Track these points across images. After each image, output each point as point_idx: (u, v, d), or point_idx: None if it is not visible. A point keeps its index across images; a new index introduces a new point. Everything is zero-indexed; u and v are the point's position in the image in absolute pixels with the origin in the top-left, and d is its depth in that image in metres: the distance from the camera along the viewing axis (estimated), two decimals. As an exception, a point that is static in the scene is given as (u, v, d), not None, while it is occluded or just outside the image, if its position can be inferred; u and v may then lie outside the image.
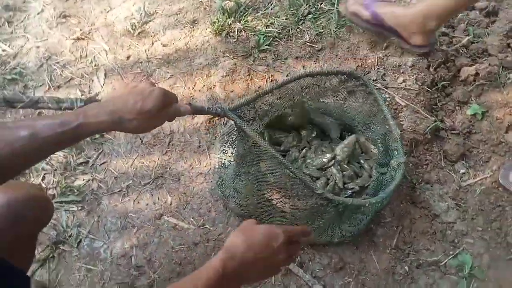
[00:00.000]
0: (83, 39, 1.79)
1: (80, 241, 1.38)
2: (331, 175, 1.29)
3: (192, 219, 1.38)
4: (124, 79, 1.68)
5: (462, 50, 1.64)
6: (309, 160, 1.32)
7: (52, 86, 1.67)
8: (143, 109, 0.77)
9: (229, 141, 1.35)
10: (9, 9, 1.86)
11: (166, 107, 0.83)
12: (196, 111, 0.96)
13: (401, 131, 1.44)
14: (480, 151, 1.42)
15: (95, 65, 1.72)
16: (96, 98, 0.89)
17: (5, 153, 0.64)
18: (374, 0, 1.55)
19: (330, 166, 1.30)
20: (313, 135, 1.39)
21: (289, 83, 1.22)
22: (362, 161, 1.31)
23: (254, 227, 0.81)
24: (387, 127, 1.28)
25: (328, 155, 1.30)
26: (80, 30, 1.80)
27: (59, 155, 1.51)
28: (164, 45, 1.75)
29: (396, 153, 1.23)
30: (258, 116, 1.17)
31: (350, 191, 1.26)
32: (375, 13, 1.51)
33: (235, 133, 1.33)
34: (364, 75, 1.59)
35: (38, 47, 1.77)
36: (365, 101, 1.35)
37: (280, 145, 1.38)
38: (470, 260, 1.22)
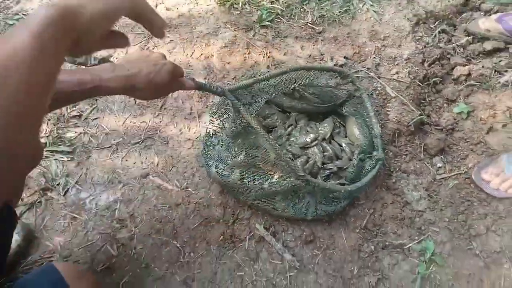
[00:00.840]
0: (87, -7, 1.79)
1: (68, 190, 1.43)
2: (312, 154, 1.34)
3: (176, 181, 1.43)
4: (124, 38, 1.69)
5: (459, 50, 1.67)
6: (293, 138, 1.37)
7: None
8: (155, 81, 0.84)
9: (217, 113, 1.39)
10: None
11: (176, 80, 0.91)
12: (198, 87, 1.02)
13: (386, 120, 1.49)
14: (459, 148, 1.48)
15: (97, 21, 1.73)
16: (110, 59, 0.93)
17: None
18: (506, 14, 1.58)
19: (312, 146, 1.35)
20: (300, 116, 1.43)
21: (284, 74, 1.25)
22: (343, 144, 1.36)
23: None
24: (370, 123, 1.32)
25: (312, 135, 1.35)
26: (86, -16, 1.79)
27: (54, 106, 1.54)
28: (167, 9, 1.76)
29: (377, 148, 1.29)
30: (254, 100, 1.20)
31: (328, 171, 1.32)
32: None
33: (225, 106, 1.37)
34: (360, 62, 1.62)
35: (42, -4, 1.77)
36: (355, 92, 1.38)
37: (267, 121, 1.43)
38: (432, 247, 1.29)
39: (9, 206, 0.88)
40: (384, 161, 1.42)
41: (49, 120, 1.52)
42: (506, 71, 1.56)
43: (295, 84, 1.33)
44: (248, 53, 1.64)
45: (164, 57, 0.92)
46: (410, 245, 1.32)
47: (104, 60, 0.91)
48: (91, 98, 0.88)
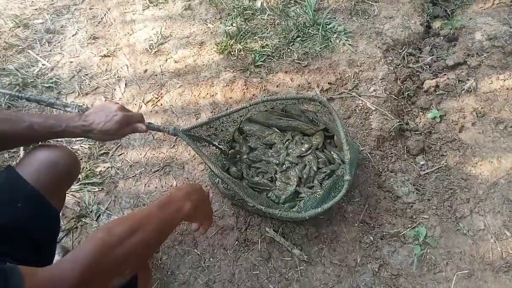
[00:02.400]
0: (108, 56, 2.14)
1: (99, 215, 1.64)
2: (308, 161, 1.55)
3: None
4: (141, 88, 2.01)
5: (426, 67, 1.95)
6: (290, 150, 1.60)
7: (81, 93, 2.00)
8: (105, 129, 1.09)
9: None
10: (50, 32, 2.25)
11: (124, 127, 1.13)
12: (152, 129, 1.23)
13: (370, 129, 1.72)
14: (438, 147, 1.69)
15: (117, 77, 2.06)
16: (85, 109, 1.18)
17: (10, 131, 0.98)
18: None
19: (308, 155, 1.57)
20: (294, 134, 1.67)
21: (242, 110, 1.43)
22: (333, 153, 1.57)
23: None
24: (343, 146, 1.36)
25: (306, 145, 1.58)
26: (107, 49, 2.16)
27: (84, 147, 1.81)
28: (176, 62, 2.10)
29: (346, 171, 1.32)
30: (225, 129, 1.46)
31: (323, 174, 1.52)
32: None
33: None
34: (342, 86, 1.90)
35: (71, 62, 2.13)
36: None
37: (266, 139, 1.66)
38: (424, 231, 1.45)
39: (57, 211, 1.09)
40: (372, 163, 1.62)
41: (81, 159, 1.78)
42: (467, 79, 1.82)
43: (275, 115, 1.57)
44: (247, 89, 1.93)
45: (121, 109, 1.13)
46: (404, 232, 1.47)
47: (83, 109, 1.16)
48: (57, 139, 1.16)
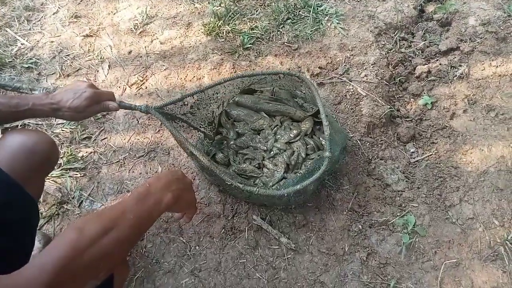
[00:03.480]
0: (91, 36, 2.05)
1: (82, 202, 1.59)
2: (297, 148, 1.51)
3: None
4: (125, 70, 1.93)
5: (418, 52, 1.91)
6: (279, 136, 1.56)
7: (63, 75, 1.92)
8: (73, 106, 1.05)
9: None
10: (29, 9, 2.14)
11: (93, 105, 1.09)
12: (124, 107, 1.19)
13: (360, 115, 1.68)
14: (428, 134, 1.66)
15: (100, 58, 1.97)
16: (53, 91, 1.12)
17: None
18: None
19: (297, 141, 1.53)
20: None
21: (217, 85, 1.42)
22: (322, 139, 1.53)
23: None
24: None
25: (295, 131, 1.53)
26: (89, 28, 2.06)
27: (65, 131, 1.74)
28: (161, 43, 2.01)
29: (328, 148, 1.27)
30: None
31: (311, 160, 1.48)
32: None
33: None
34: (333, 70, 1.85)
35: (52, 42, 2.03)
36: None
37: (255, 124, 1.62)
38: (413, 220, 1.43)
39: (35, 201, 1.04)
40: (362, 149, 1.60)
41: (62, 143, 1.71)
42: (460, 65, 1.78)
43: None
44: (234, 72, 1.87)
45: (90, 86, 1.10)
46: (393, 220, 1.46)
47: (49, 91, 1.12)
48: (28, 118, 1.21)
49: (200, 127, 1.52)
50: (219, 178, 1.24)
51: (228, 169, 1.49)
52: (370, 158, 1.60)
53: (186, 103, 1.43)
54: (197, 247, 1.46)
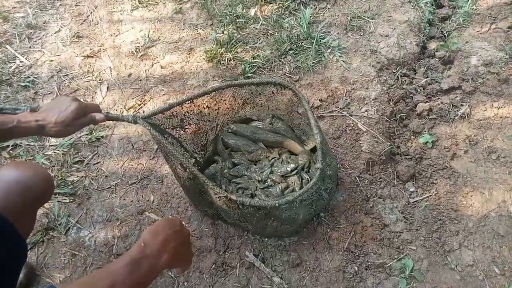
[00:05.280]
0: (92, 57, 2.04)
1: (69, 229, 1.53)
2: (292, 182, 1.47)
3: (170, 216, 1.54)
4: (123, 93, 1.90)
5: (420, 89, 1.90)
6: (275, 168, 1.52)
7: (59, 95, 1.89)
8: (60, 120, 1.02)
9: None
10: (31, 27, 2.14)
11: (80, 118, 1.06)
12: (111, 118, 1.16)
13: (360, 152, 1.65)
14: (428, 173, 1.63)
15: (99, 80, 1.95)
16: (37, 109, 1.09)
17: None
18: None
19: (293, 175, 1.49)
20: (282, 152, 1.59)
21: (205, 95, 1.40)
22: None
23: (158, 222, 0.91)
24: (312, 131, 1.29)
25: (292, 165, 1.50)
26: (90, 49, 2.05)
27: (58, 153, 1.70)
28: (162, 67, 2.00)
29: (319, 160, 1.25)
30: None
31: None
32: None
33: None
34: (333, 104, 1.83)
35: (51, 60, 2.01)
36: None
37: (252, 155, 1.58)
38: (411, 264, 1.38)
39: (24, 242, 0.99)
40: (360, 186, 1.56)
41: (53, 166, 1.67)
42: (461, 105, 1.77)
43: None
44: (234, 100, 1.84)
45: (74, 99, 1.06)
46: (390, 263, 1.40)
47: (34, 109, 1.08)
48: (13, 138, 1.18)
49: (192, 150, 1.49)
50: (209, 195, 1.20)
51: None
52: (368, 196, 1.56)
53: (175, 114, 1.39)
54: (185, 283, 1.40)
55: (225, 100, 1.50)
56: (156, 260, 0.76)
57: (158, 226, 0.83)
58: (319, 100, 1.83)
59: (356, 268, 1.41)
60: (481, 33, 2.01)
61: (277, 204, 1.15)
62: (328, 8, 2.19)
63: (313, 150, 1.54)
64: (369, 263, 1.42)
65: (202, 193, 1.35)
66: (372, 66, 1.93)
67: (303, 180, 1.47)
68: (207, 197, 1.35)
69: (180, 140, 1.44)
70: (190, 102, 1.39)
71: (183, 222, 0.97)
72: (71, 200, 1.59)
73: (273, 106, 1.58)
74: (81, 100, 1.09)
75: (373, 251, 1.44)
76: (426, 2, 2.17)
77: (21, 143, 1.71)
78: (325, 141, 1.41)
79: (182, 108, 1.39)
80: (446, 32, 2.13)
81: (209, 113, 1.50)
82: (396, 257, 1.42)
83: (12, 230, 0.93)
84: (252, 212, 1.23)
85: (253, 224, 1.31)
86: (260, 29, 2.13)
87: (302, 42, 2.05)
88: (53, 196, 1.58)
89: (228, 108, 1.54)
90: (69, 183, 1.62)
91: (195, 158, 1.52)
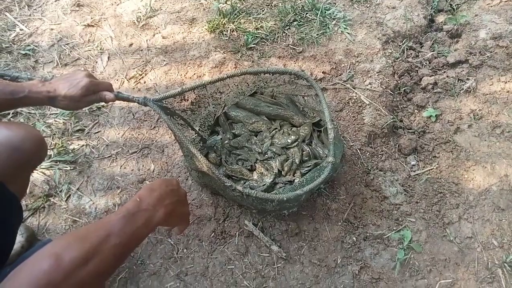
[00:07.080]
0: (92, 26, 2.00)
1: (69, 196, 1.54)
2: (292, 154, 1.46)
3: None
4: (124, 63, 1.88)
5: (425, 63, 1.86)
6: (276, 139, 1.51)
7: (60, 64, 1.87)
8: (69, 95, 1.01)
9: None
10: (30, -5, 2.10)
11: (90, 94, 1.05)
12: (121, 98, 1.14)
13: (362, 124, 1.64)
14: (430, 147, 1.61)
15: (100, 49, 1.92)
16: (50, 80, 1.08)
17: None
18: None
19: (293, 147, 1.48)
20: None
21: (220, 81, 1.36)
22: (319, 148, 1.48)
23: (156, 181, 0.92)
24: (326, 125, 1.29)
25: (293, 137, 1.48)
26: (91, 18, 2.02)
27: (58, 122, 1.69)
28: (163, 37, 1.97)
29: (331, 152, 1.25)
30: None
31: (306, 169, 1.43)
32: None
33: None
34: (336, 76, 1.80)
35: (52, 29, 1.98)
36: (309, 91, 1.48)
37: (253, 125, 1.57)
38: (410, 235, 1.38)
39: (17, 199, 0.99)
40: (361, 159, 1.55)
41: (54, 134, 1.66)
42: (467, 79, 1.73)
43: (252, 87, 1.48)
44: (247, 86, 1.81)
45: (88, 75, 1.06)
46: (389, 234, 1.41)
47: (46, 79, 1.06)
48: (23, 106, 1.17)
49: (198, 128, 1.48)
50: (214, 179, 1.20)
51: (218, 170, 1.44)
52: (369, 168, 1.55)
53: (186, 98, 1.38)
54: (185, 250, 1.41)
55: (237, 85, 1.47)
56: (151, 214, 0.76)
57: (154, 184, 0.84)
58: (322, 72, 1.80)
59: (354, 238, 1.41)
60: (491, 6, 1.95)
61: (285, 198, 1.15)
62: (334, -21, 2.13)
63: (316, 123, 1.53)
64: (368, 234, 1.42)
65: (209, 177, 1.34)
66: (378, 38, 1.89)
67: (304, 152, 1.45)
68: (212, 183, 1.36)
69: (188, 120, 1.42)
70: (203, 88, 1.36)
71: (180, 185, 0.97)
72: (71, 168, 1.60)
73: (279, 90, 1.55)
74: (91, 74, 1.08)
75: (372, 222, 1.44)
76: (436, -26, 2.10)
77: (21, 110, 1.71)
78: (338, 137, 1.40)
79: (193, 93, 1.36)
80: (455, 5, 2.07)
81: (220, 97, 1.48)
82: (395, 228, 1.42)
83: (4, 189, 0.92)
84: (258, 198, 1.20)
85: (254, 205, 1.31)
86: (264, -1, 2.08)
87: (306, 13, 2.00)
88: (54, 163, 1.59)
89: (239, 93, 1.51)
90: (70, 151, 1.62)
91: (204, 140, 1.51)
